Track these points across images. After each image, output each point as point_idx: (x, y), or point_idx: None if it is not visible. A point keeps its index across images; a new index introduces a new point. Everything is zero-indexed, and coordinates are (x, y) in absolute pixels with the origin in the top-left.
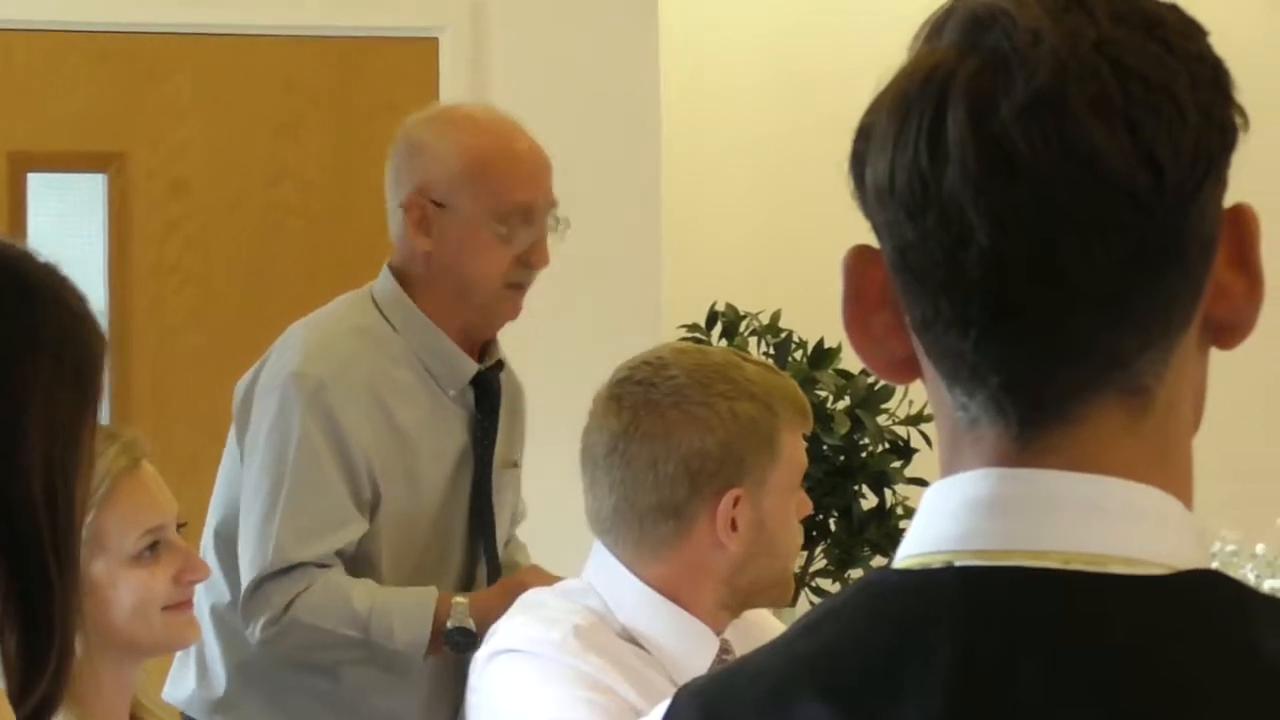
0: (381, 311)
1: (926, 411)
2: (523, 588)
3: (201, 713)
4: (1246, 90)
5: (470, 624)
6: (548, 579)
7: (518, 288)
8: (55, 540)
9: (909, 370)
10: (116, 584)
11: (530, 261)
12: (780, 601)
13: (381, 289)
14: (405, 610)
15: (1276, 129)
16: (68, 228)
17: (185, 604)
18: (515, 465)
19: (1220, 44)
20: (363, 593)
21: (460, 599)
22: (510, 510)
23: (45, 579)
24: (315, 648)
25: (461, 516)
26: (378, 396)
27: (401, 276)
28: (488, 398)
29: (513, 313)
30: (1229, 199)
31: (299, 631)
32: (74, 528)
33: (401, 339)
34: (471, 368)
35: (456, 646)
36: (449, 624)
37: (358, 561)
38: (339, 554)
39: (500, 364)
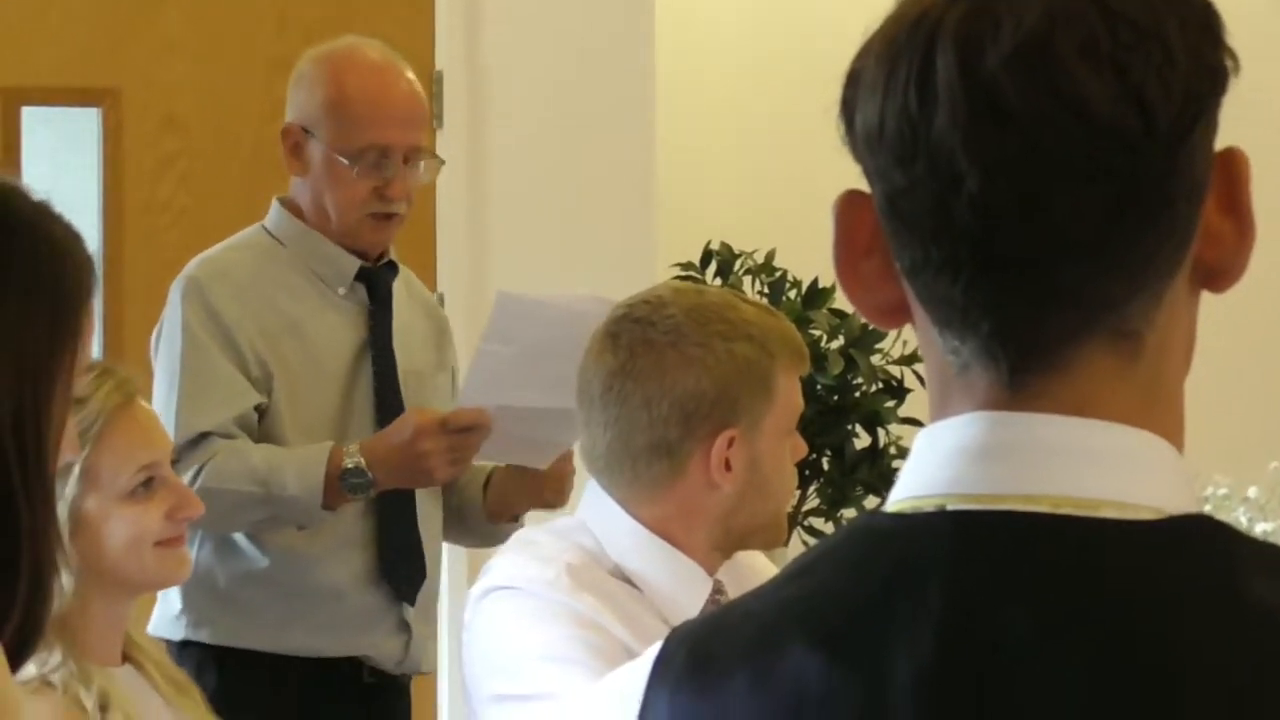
0: (270, 233)
1: (920, 352)
2: (405, 423)
3: (166, 630)
4: (1248, 90)
5: (362, 463)
6: (429, 415)
7: (382, 217)
8: (25, 472)
9: (899, 315)
10: (109, 520)
11: (386, 195)
12: (773, 543)
13: (270, 218)
14: (300, 459)
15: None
16: (61, 162)
17: (177, 540)
18: (446, 370)
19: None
20: (262, 452)
21: (352, 443)
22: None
23: (13, 510)
24: (226, 511)
25: (368, 410)
26: (264, 295)
27: (291, 202)
28: (378, 291)
29: (381, 240)
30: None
31: (208, 498)
32: (45, 461)
33: (287, 250)
34: (354, 262)
35: (354, 489)
36: (345, 464)
37: None
38: (244, 430)
39: (393, 265)
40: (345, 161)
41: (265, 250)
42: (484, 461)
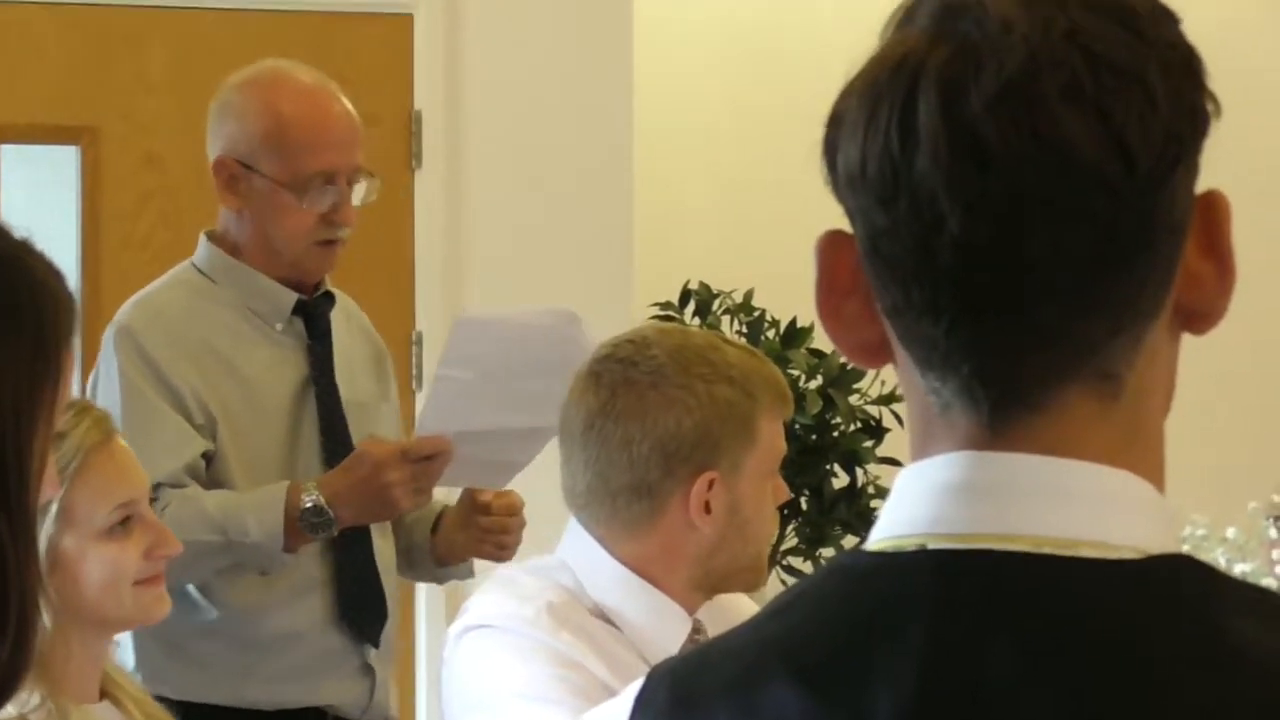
0: (201, 271)
1: (898, 391)
2: (364, 457)
3: None
4: (1247, 89)
5: (321, 501)
6: (387, 447)
7: (328, 244)
8: (9, 515)
9: (880, 354)
10: (86, 558)
11: (334, 220)
12: (753, 586)
13: (199, 254)
14: (257, 503)
15: (1278, 129)
16: (40, 200)
17: (156, 579)
18: (388, 398)
19: (1222, 43)
20: (217, 499)
21: (309, 481)
22: None
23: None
24: (185, 562)
25: (314, 447)
26: (202, 339)
27: (222, 237)
28: (317, 324)
29: (327, 267)
30: (1230, 191)
31: None
32: (27, 500)
33: (221, 288)
34: (291, 296)
35: (313, 528)
36: (302, 505)
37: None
38: (193, 478)
39: (330, 295)
40: (291, 192)
41: (197, 289)
42: (443, 486)
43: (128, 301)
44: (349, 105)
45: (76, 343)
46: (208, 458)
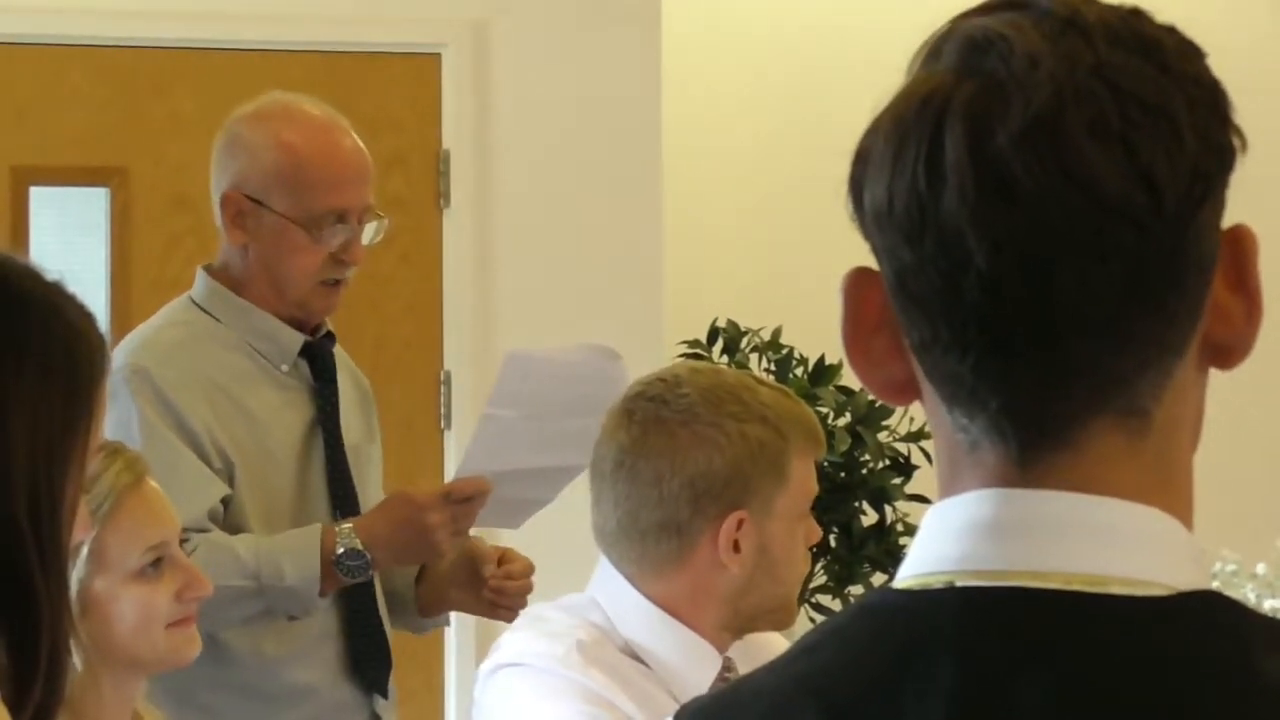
0: (202, 308)
1: (927, 428)
2: (404, 499)
3: None
4: (1250, 91)
5: (358, 544)
6: (427, 489)
7: (334, 284)
8: (41, 554)
9: (908, 392)
10: (118, 600)
11: (344, 259)
12: (781, 626)
13: (198, 290)
14: (292, 547)
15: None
16: (70, 242)
17: (187, 620)
18: (375, 440)
19: (1224, 46)
20: (247, 542)
21: (344, 524)
22: (379, 489)
23: (31, 593)
24: (214, 608)
25: (321, 490)
26: (211, 380)
27: (222, 273)
28: (322, 367)
29: (331, 307)
30: (1233, 213)
31: None
32: (61, 543)
33: (225, 328)
34: (297, 338)
35: (350, 572)
36: (338, 549)
37: None
38: (214, 522)
39: (330, 335)
40: (303, 229)
41: (203, 329)
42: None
43: (129, 339)
44: (359, 141)
45: (107, 384)
46: (225, 503)
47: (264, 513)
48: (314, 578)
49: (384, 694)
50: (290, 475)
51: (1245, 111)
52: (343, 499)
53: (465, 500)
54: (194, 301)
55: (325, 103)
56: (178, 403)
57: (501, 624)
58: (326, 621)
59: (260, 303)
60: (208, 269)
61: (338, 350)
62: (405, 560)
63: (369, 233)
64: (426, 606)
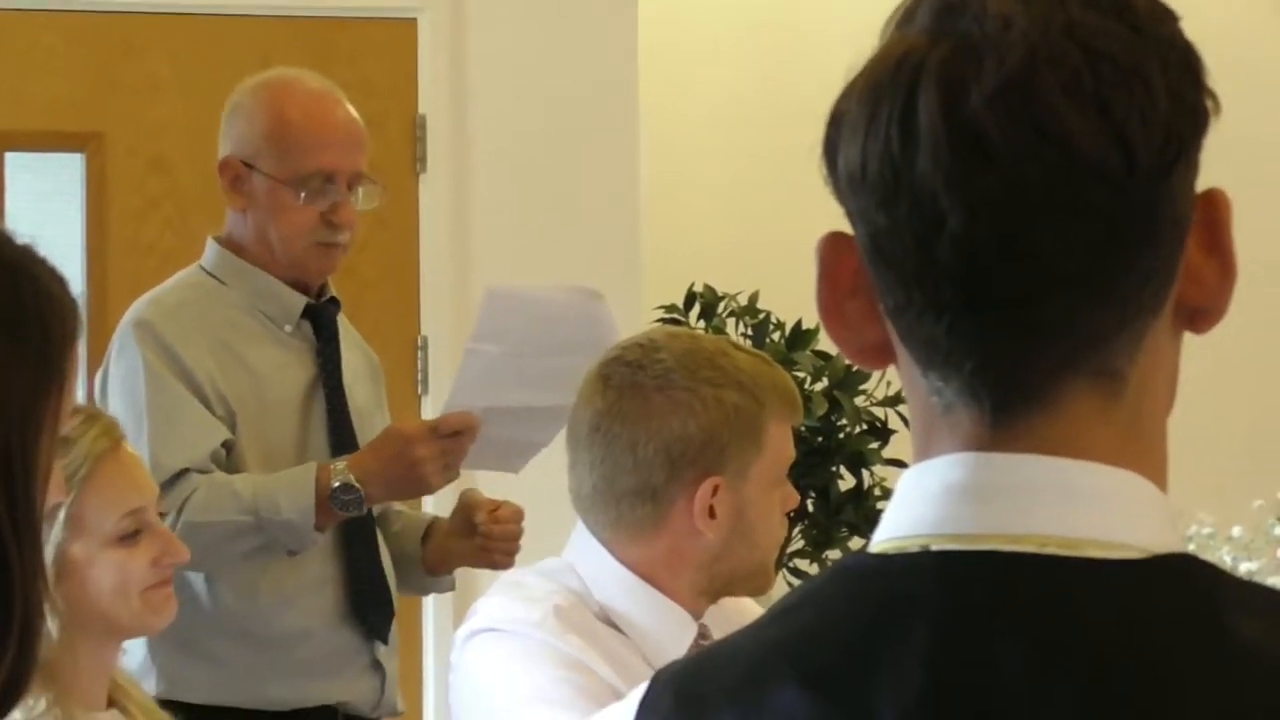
0: (209, 273)
1: (904, 393)
2: (393, 434)
3: None
4: (1252, 89)
5: (352, 479)
6: (416, 423)
7: (328, 245)
8: (13, 518)
9: (883, 356)
10: (95, 565)
11: (334, 221)
12: (758, 591)
13: (207, 257)
14: (288, 482)
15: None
16: (45, 207)
17: (163, 584)
18: (382, 409)
19: (1226, 44)
20: (245, 480)
21: (339, 461)
22: None
23: (4, 557)
24: (214, 543)
25: (322, 444)
26: (218, 337)
27: (227, 239)
28: (324, 328)
29: (328, 268)
30: (1228, 181)
31: (195, 533)
32: (33, 506)
33: (231, 290)
34: (300, 300)
35: (344, 506)
36: (333, 484)
37: None
38: (216, 465)
39: (334, 300)
40: (290, 189)
41: (209, 290)
42: (466, 469)
43: (139, 300)
44: (354, 113)
45: (81, 348)
46: (227, 448)
47: (264, 462)
48: (309, 510)
49: (384, 640)
50: (291, 428)
51: (1247, 110)
52: (344, 452)
53: (454, 435)
54: (202, 267)
55: (327, 79)
56: (181, 353)
57: (478, 589)
58: (325, 568)
59: (262, 266)
60: (216, 238)
61: (348, 325)
62: (397, 494)
63: (361, 199)
64: (433, 563)
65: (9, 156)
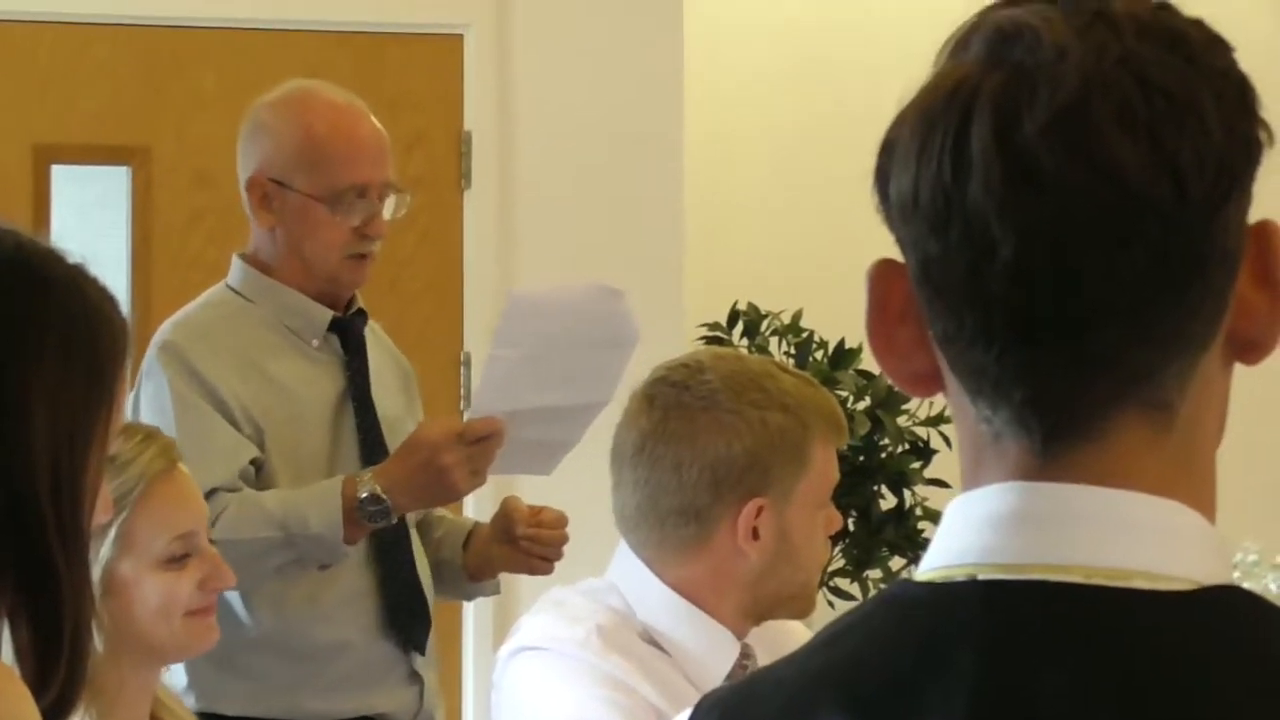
0: (236, 291)
1: (946, 413)
2: (419, 441)
3: None
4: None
5: (379, 489)
6: (441, 430)
7: (360, 257)
8: (62, 535)
9: (932, 384)
10: (142, 585)
11: (367, 233)
12: (801, 614)
13: (232, 275)
14: (315, 496)
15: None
16: (91, 220)
17: (207, 610)
18: (415, 417)
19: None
20: (274, 495)
21: (364, 471)
22: None
23: (54, 575)
24: (245, 560)
25: (353, 456)
26: (245, 355)
27: (254, 257)
28: (352, 340)
29: (360, 279)
30: (1255, 210)
31: (226, 550)
32: (81, 524)
33: (257, 307)
34: (326, 314)
35: (372, 517)
36: (359, 495)
37: None
38: (245, 484)
39: (362, 312)
40: (324, 205)
41: (236, 308)
42: (494, 474)
43: (166, 323)
44: (377, 123)
45: (129, 367)
46: (256, 466)
47: (295, 479)
48: (337, 523)
49: (421, 651)
50: (322, 442)
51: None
52: (375, 464)
53: (480, 440)
54: (228, 286)
55: (347, 84)
56: (206, 374)
57: (520, 602)
58: (360, 580)
59: (291, 282)
60: (241, 256)
61: (380, 332)
62: (425, 503)
63: (390, 207)
64: (474, 570)
65: (55, 169)
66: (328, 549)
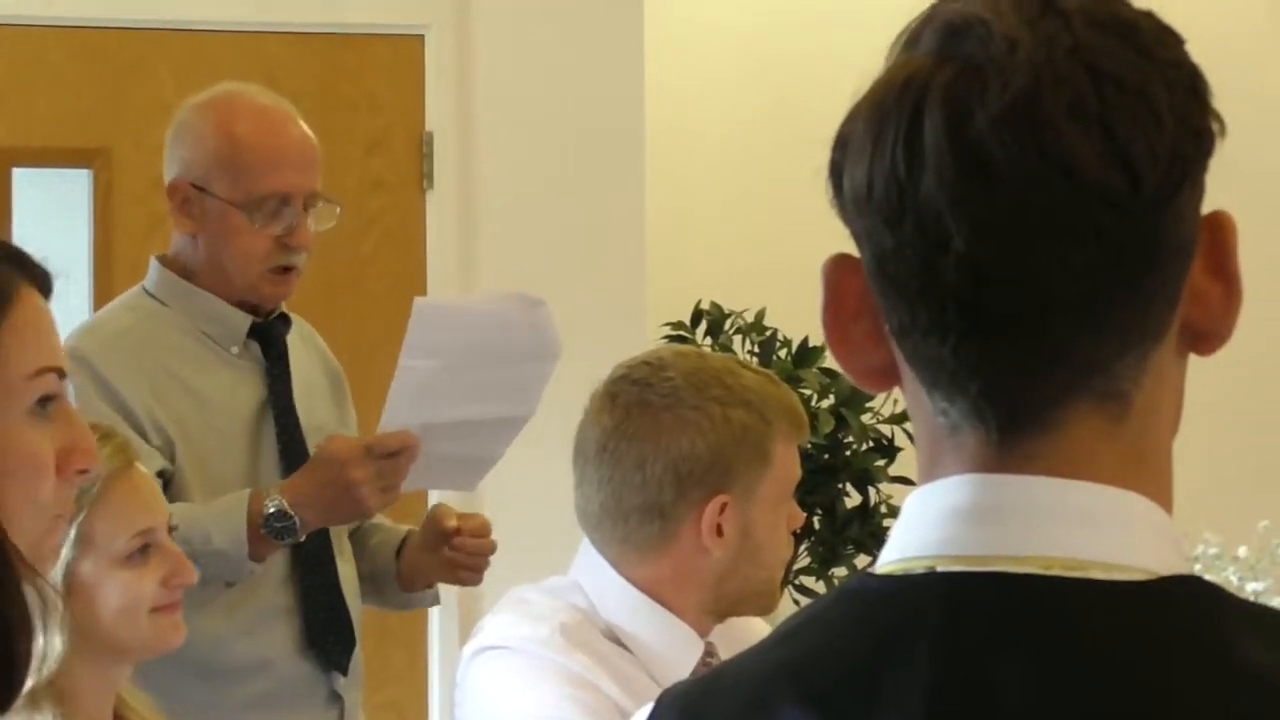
0: (152, 295)
1: (909, 413)
2: (326, 456)
3: None
4: (1250, 91)
5: (285, 505)
6: (350, 444)
7: (283, 270)
8: None
9: (888, 378)
10: (104, 584)
11: (289, 244)
12: (764, 610)
13: (150, 278)
14: (220, 511)
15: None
16: (52, 223)
17: (172, 606)
18: (347, 424)
19: (1224, 48)
20: (178, 510)
21: (271, 487)
22: None
23: None
24: None
25: (274, 467)
26: (160, 363)
27: (175, 261)
28: (274, 346)
29: (281, 294)
30: (1229, 202)
31: None
32: None
33: (173, 312)
34: (245, 320)
35: (279, 534)
36: (266, 510)
37: None
38: None
39: (285, 317)
40: (243, 213)
41: (150, 313)
42: (410, 489)
43: (77, 328)
44: (307, 129)
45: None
46: (165, 478)
47: (210, 491)
48: (240, 540)
49: (343, 671)
50: (240, 453)
51: (1245, 111)
52: None
53: (391, 455)
54: (145, 290)
55: (308, 85)
56: (113, 381)
57: (485, 605)
58: (280, 597)
59: (211, 290)
60: (161, 258)
61: (309, 333)
62: (334, 520)
63: (317, 219)
64: (407, 579)
65: (16, 172)
66: (232, 566)
